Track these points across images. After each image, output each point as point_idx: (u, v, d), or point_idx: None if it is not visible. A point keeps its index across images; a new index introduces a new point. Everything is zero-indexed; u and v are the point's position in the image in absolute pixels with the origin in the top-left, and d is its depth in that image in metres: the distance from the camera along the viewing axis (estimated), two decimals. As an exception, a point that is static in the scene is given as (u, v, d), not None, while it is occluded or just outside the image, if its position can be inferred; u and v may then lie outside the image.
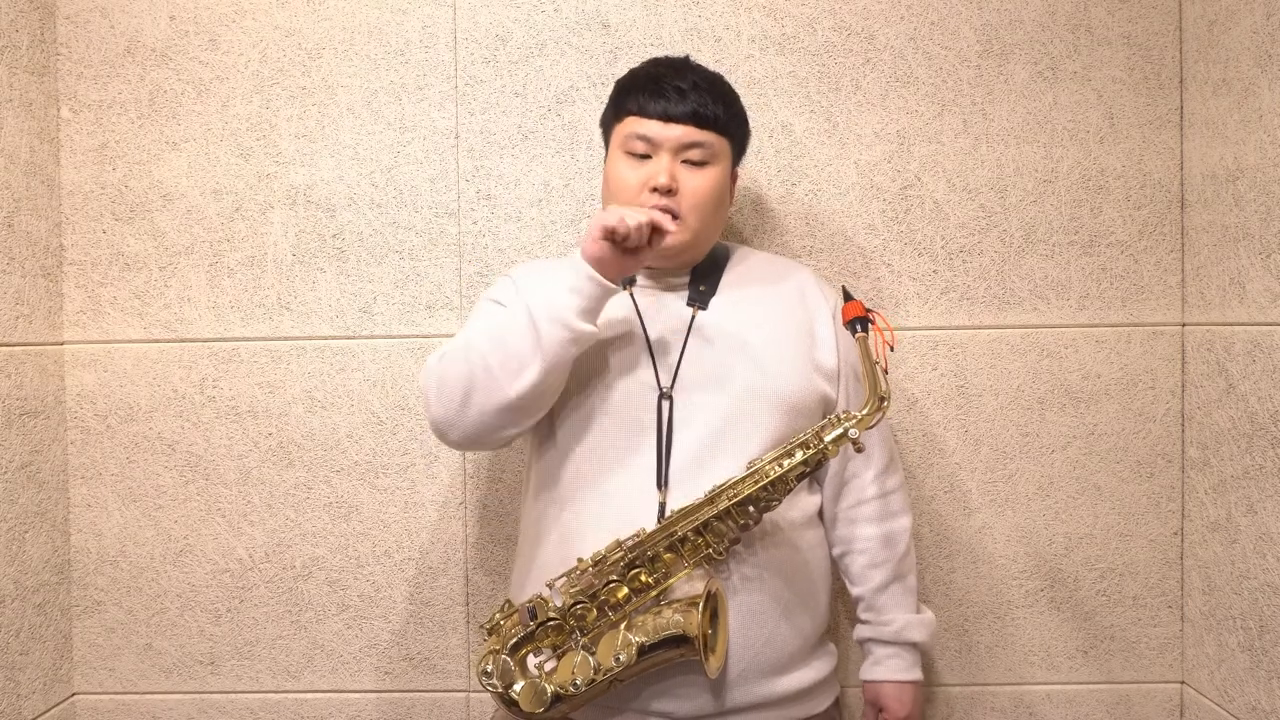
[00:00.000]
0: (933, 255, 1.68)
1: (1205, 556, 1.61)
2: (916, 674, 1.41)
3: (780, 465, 1.22)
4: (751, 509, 1.21)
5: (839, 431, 1.21)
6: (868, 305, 1.36)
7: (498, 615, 1.27)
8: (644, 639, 1.19)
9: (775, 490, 1.22)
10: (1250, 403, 1.49)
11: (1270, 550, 1.46)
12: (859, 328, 1.26)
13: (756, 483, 1.21)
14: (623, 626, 1.20)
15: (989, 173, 1.67)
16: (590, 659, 1.19)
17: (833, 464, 1.38)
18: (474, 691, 1.71)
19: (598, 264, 1.23)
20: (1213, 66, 1.58)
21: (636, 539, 1.22)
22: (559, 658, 1.22)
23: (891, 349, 1.28)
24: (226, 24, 1.70)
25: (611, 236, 1.22)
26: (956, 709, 1.70)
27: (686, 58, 1.40)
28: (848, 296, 1.29)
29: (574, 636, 1.21)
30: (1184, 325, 1.67)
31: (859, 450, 1.23)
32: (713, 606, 1.22)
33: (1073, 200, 1.67)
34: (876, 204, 1.68)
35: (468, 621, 1.71)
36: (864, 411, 1.21)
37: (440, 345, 1.68)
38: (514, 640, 1.23)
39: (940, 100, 1.67)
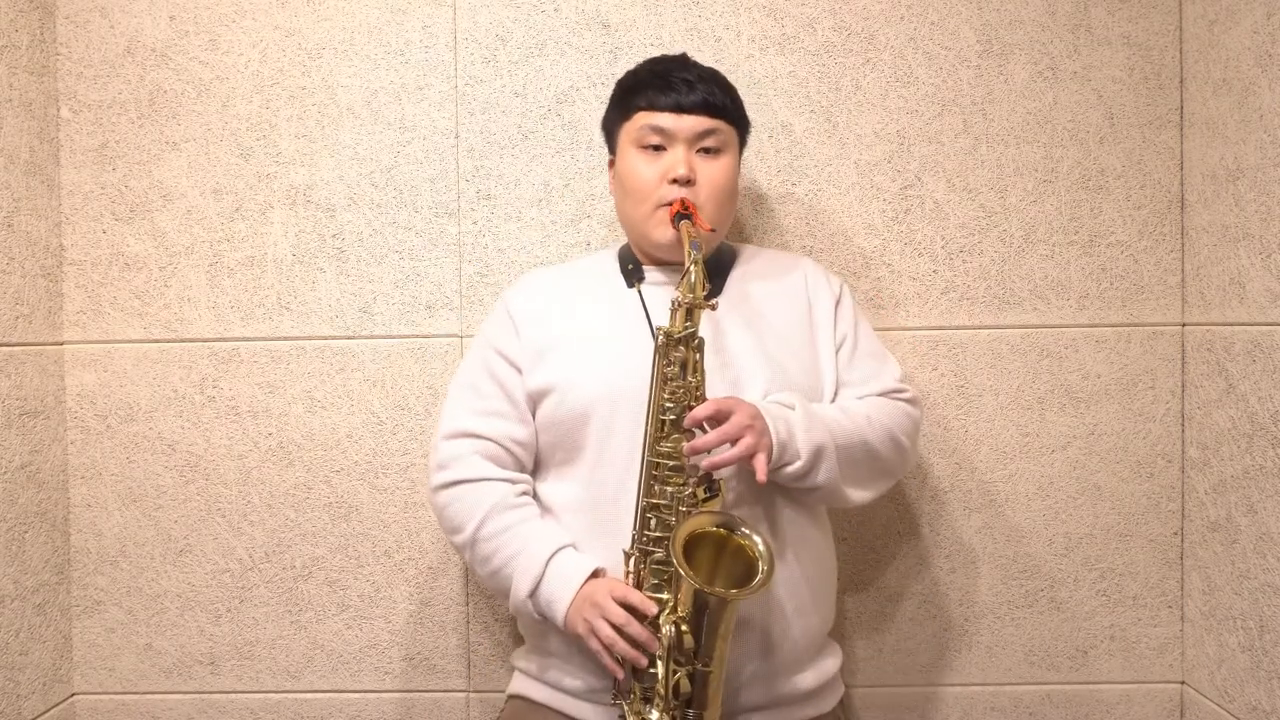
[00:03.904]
0: (933, 255, 1.68)
1: (1205, 556, 1.61)
2: (780, 429, 1.24)
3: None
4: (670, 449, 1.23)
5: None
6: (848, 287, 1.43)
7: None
8: (684, 613, 1.18)
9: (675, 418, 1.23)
10: (1250, 403, 1.49)
11: (1270, 550, 1.46)
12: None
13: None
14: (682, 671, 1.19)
15: (989, 173, 1.67)
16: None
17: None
18: (474, 691, 1.71)
19: (570, 623, 1.26)
20: (1213, 66, 1.58)
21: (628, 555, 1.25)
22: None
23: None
24: (226, 24, 1.70)
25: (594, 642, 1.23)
26: (956, 709, 1.70)
27: (684, 54, 1.41)
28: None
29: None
30: (1184, 325, 1.67)
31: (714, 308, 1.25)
32: (715, 536, 1.22)
33: (1073, 200, 1.67)
34: (876, 204, 1.68)
35: (468, 622, 1.71)
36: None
37: (439, 345, 1.68)
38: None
39: (940, 100, 1.67)
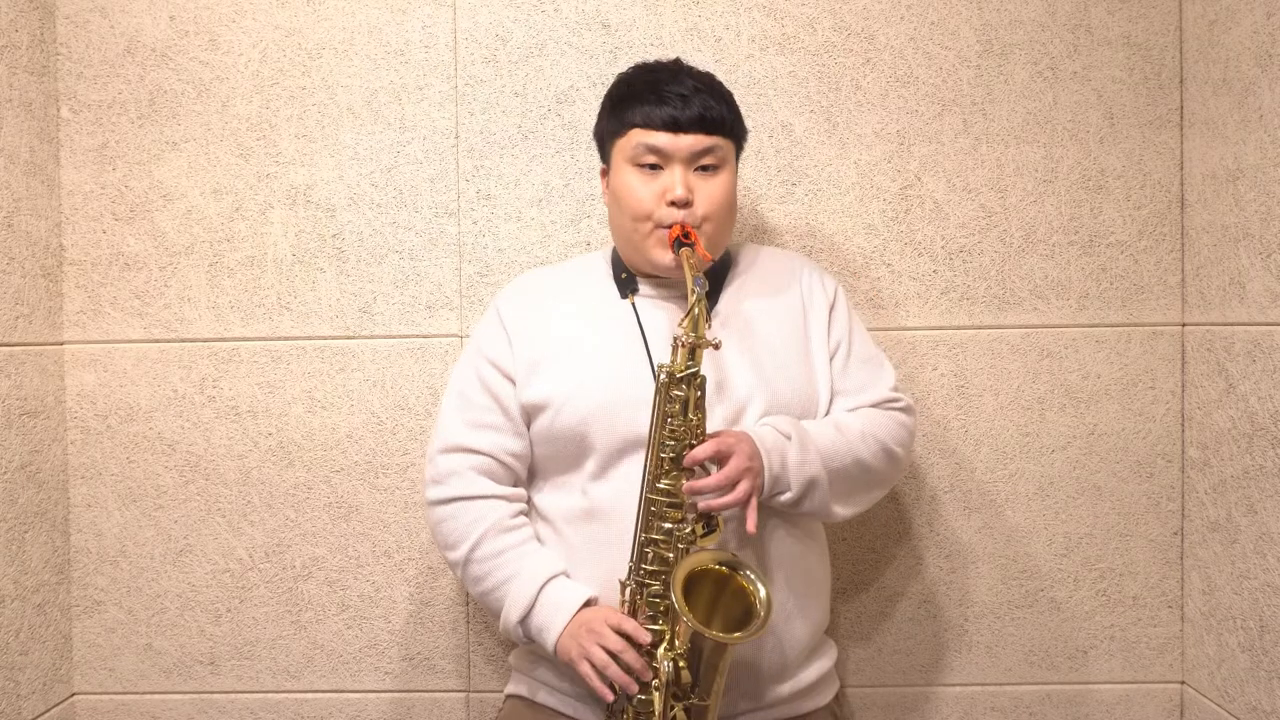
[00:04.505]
0: (933, 255, 1.68)
1: (1205, 556, 1.61)
2: (774, 462, 1.24)
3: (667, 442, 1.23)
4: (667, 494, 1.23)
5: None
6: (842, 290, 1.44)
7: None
8: (682, 651, 1.19)
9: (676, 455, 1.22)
10: (1250, 403, 1.49)
11: (1270, 550, 1.46)
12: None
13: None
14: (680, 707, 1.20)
15: (989, 173, 1.67)
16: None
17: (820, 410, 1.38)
18: (474, 691, 1.71)
19: (561, 650, 1.26)
20: (1213, 66, 1.58)
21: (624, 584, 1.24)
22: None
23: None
24: (226, 24, 1.70)
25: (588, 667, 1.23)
26: (956, 709, 1.70)
27: (678, 60, 1.37)
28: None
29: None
30: (1184, 325, 1.67)
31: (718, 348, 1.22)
32: (712, 578, 1.22)
33: (1073, 200, 1.67)
34: (876, 204, 1.68)
35: (468, 621, 1.71)
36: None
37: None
38: None
39: (940, 100, 1.67)
